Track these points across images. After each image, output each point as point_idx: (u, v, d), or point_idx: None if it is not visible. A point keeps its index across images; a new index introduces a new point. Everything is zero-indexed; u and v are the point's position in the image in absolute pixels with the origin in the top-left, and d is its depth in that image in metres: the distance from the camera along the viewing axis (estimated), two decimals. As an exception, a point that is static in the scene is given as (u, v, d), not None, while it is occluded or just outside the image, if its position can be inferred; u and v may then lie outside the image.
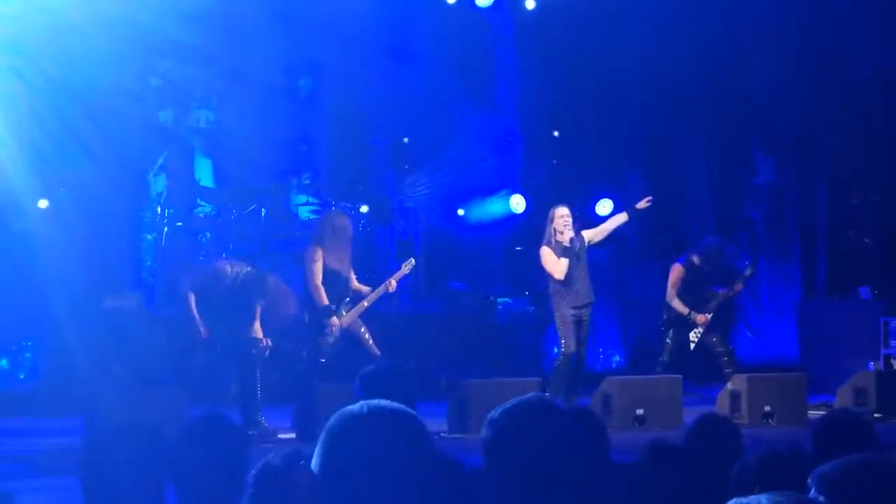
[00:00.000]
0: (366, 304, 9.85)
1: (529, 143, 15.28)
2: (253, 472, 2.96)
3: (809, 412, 10.22)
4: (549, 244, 10.49)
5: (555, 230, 10.47)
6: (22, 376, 11.79)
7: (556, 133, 15.36)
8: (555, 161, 15.21)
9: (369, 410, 2.31)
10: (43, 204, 12.20)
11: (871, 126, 14.20)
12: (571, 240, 10.40)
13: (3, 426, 9.39)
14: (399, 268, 10.29)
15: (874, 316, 12.55)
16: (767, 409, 10.08)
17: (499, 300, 10.82)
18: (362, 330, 9.84)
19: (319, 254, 9.74)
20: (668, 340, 11.39)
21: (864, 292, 13.11)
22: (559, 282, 10.46)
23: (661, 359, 11.36)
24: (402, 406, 2.34)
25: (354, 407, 2.32)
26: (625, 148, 15.01)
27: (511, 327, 13.26)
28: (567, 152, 15.14)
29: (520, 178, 15.19)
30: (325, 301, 9.60)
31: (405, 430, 2.30)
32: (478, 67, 14.87)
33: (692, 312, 11.17)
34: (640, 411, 9.85)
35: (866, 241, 13.30)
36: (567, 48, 14.44)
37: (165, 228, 12.72)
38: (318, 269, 9.68)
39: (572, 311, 10.45)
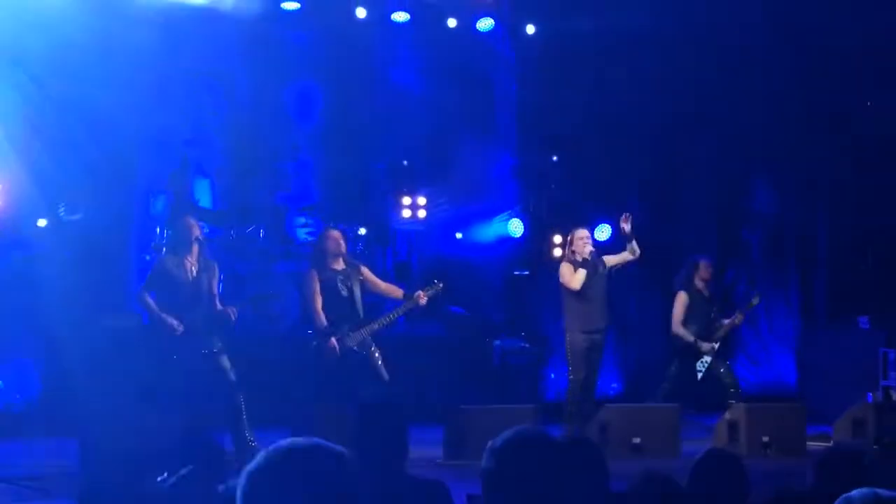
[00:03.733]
0: (376, 326, 9.78)
1: (528, 168, 15.29)
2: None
3: (808, 443, 10.18)
4: (567, 260, 10.62)
5: (573, 251, 10.61)
6: (18, 397, 11.75)
7: (555, 158, 15.38)
8: (553, 185, 15.22)
9: (289, 449, 2.26)
10: (42, 223, 12.21)
11: (871, 152, 14.21)
12: (591, 253, 10.57)
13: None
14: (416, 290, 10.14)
15: (874, 346, 12.49)
16: (766, 439, 10.03)
17: (494, 342, 10.79)
18: (372, 349, 9.78)
19: (314, 275, 9.74)
20: (672, 368, 11.36)
21: (864, 322, 13.06)
22: (574, 298, 10.51)
23: (662, 384, 11.32)
24: (317, 441, 2.30)
25: (269, 450, 2.28)
26: (624, 173, 15.01)
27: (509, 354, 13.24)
28: (566, 177, 15.15)
29: (519, 202, 15.19)
30: (323, 323, 9.59)
31: (326, 472, 2.24)
32: (478, 91, 14.90)
33: (698, 341, 11.11)
34: (636, 440, 9.80)
35: (866, 269, 13.28)
36: (567, 73, 14.47)
37: (164, 249, 12.69)
38: (315, 292, 9.67)
39: (583, 336, 10.48)
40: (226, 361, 9.31)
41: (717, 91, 14.76)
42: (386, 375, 9.69)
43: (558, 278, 10.73)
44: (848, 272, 13.65)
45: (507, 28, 14.86)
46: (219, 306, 9.36)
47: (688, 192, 15.31)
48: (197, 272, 9.28)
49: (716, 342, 11.20)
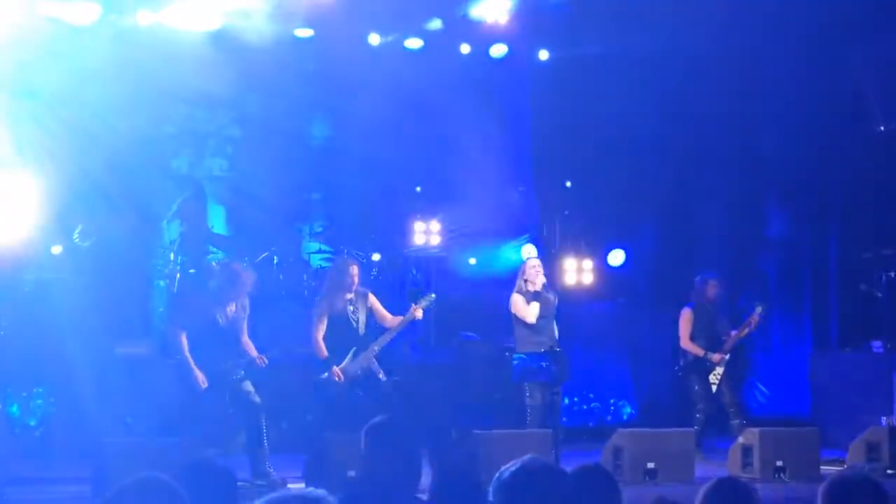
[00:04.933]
0: (376, 348, 9.86)
1: (542, 193, 15.30)
2: None
3: (822, 467, 10.15)
4: (519, 291, 10.77)
5: (526, 280, 10.72)
6: (33, 423, 11.78)
7: (568, 183, 15.39)
8: (567, 212, 15.22)
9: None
10: (56, 250, 12.27)
11: (885, 179, 14.21)
12: (544, 285, 10.73)
13: (14, 473, 9.36)
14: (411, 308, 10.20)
15: (887, 370, 12.46)
16: (779, 463, 9.99)
17: (514, 356, 10.90)
18: (380, 375, 9.82)
19: (322, 307, 9.81)
20: (696, 387, 11.46)
21: (877, 346, 13.04)
22: (525, 328, 10.66)
23: (699, 407, 11.43)
24: (318, 494, 2.31)
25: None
26: (637, 199, 15.02)
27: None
28: (580, 203, 15.16)
29: (532, 228, 15.20)
30: (324, 354, 9.67)
31: None
32: (491, 117, 14.94)
33: (707, 353, 11.29)
34: (651, 465, 9.77)
35: (879, 295, 13.26)
36: (581, 99, 14.50)
37: (178, 275, 12.74)
38: (320, 322, 9.75)
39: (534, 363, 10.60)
40: (249, 385, 9.42)
41: (732, 117, 14.77)
42: (394, 398, 9.74)
43: (509, 306, 10.87)
44: (860, 297, 13.62)
45: (521, 54, 14.90)
46: (251, 349, 9.46)
47: (702, 218, 15.30)
48: (233, 315, 9.42)
49: (725, 353, 11.34)
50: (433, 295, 10.44)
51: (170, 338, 9.59)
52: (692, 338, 11.47)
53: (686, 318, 11.53)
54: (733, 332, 11.55)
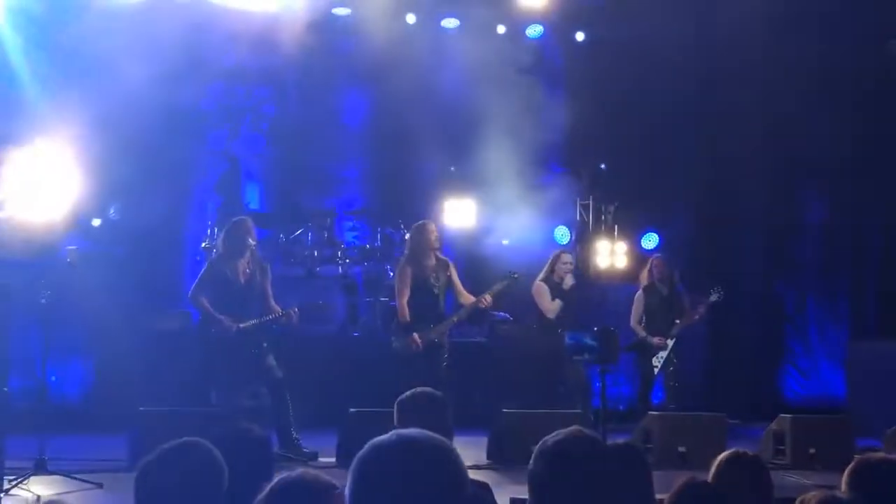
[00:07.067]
0: (455, 319, 9.93)
1: (576, 175, 15.28)
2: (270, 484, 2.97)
3: (856, 455, 10.09)
4: (546, 281, 10.95)
5: (553, 272, 10.94)
6: (72, 391, 11.92)
7: (602, 166, 15.36)
8: (601, 194, 15.20)
9: (399, 441, 2.29)
10: (97, 222, 12.39)
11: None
12: (572, 287, 10.94)
13: (52, 442, 9.49)
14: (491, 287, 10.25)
15: (924, 358, 12.39)
16: (812, 451, 9.94)
17: (567, 334, 11.04)
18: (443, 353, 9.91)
19: (406, 272, 9.81)
20: (640, 370, 11.75)
21: (915, 334, 12.97)
22: (545, 316, 11.00)
23: (639, 391, 11.78)
24: (436, 436, 2.33)
25: (385, 437, 2.32)
26: (672, 183, 14.96)
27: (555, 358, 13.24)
28: (614, 186, 15.13)
29: (566, 210, 15.18)
30: (407, 319, 9.68)
31: (436, 462, 2.28)
32: (526, 98, 14.92)
33: (649, 336, 11.37)
34: (681, 448, 9.76)
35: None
36: (616, 81, 14.45)
37: (214, 250, 12.82)
38: (404, 286, 9.75)
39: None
40: (272, 359, 9.44)
41: (770, 101, 14.66)
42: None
43: (531, 290, 11.05)
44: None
45: (557, 35, 14.86)
46: (277, 308, 9.47)
47: (738, 202, 15.22)
48: (249, 275, 9.42)
49: (671, 338, 11.39)
50: (516, 275, 10.37)
51: (193, 306, 9.61)
52: (641, 320, 11.61)
53: (636, 300, 11.70)
54: (684, 318, 11.63)
